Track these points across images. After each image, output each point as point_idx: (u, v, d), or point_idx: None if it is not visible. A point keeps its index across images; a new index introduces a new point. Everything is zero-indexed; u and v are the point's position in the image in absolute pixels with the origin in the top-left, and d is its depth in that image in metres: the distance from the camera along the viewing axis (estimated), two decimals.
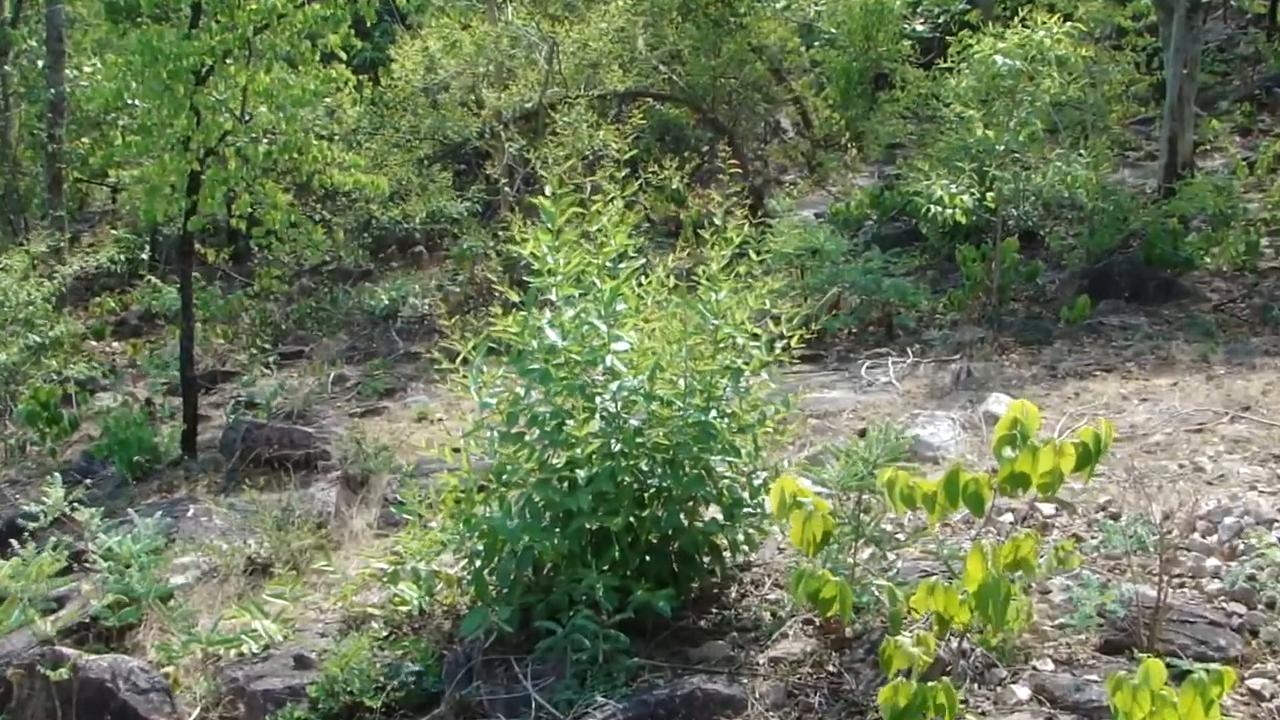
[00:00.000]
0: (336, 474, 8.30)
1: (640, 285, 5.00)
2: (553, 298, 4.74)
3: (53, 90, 16.42)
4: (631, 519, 4.64)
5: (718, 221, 4.95)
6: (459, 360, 4.81)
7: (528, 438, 4.65)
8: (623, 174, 5.15)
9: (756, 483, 4.80)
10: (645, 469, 4.67)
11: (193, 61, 8.67)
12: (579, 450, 4.46)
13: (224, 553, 6.48)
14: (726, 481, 4.82)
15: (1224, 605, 4.31)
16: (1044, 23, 10.23)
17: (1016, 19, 10.56)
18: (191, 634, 5.36)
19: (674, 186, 15.54)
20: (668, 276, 5.06)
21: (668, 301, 4.96)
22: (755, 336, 4.84)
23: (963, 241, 12.45)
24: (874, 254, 11.93)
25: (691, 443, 4.59)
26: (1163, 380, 8.57)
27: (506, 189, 13.88)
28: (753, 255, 5.01)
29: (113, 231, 17.65)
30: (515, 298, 4.76)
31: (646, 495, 4.73)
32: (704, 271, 4.81)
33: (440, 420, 10.16)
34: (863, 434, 6.87)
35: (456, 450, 4.86)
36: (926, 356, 10.28)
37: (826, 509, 3.81)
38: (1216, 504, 5.18)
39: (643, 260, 4.98)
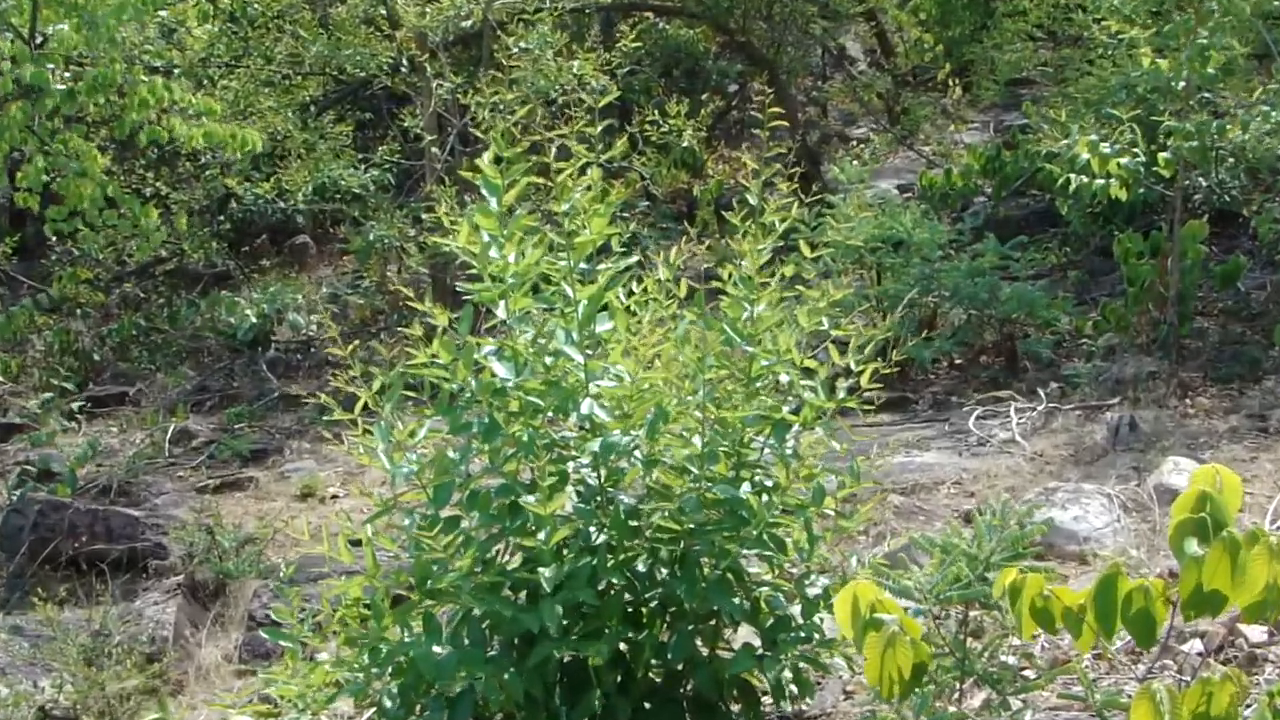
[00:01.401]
0: (177, 580, 8.29)
1: (633, 294, 5.01)
2: (501, 314, 4.75)
3: None
4: (623, 646, 4.63)
5: (751, 199, 4.97)
6: (360, 407, 4.82)
7: (465, 523, 4.65)
8: (607, 125, 5.17)
9: (811, 592, 4.80)
10: (643, 570, 4.67)
11: None
12: (543, 539, 4.46)
13: (3, 700, 6.45)
14: (766, 590, 4.82)
15: None
16: None
17: None
18: None
19: (685, 145, 15.63)
20: (675, 280, 5.08)
21: (676, 318, 4.97)
22: (809, 371, 4.85)
23: (1123, 227, 12.50)
24: (987, 246, 11.99)
25: (713, 530, 4.60)
26: None
27: (433, 150, 13.93)
28: (805, 249, 5.03)
29: None
30: (443, 317, 4.76)
31: (645, 610, 4.72)
32: (731, 273, 4.83)
33: (334, 498, 10.16)
34: (970, 518, 6.87)
35: (358, 543, 4.86)
36: (1068, 400, 10.29)
37: (919, 631, 3.81)
38: None
39: (636, 257, 5.00)
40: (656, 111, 14.74)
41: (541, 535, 4.45)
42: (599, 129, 4.98)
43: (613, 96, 5.60)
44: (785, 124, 5.25)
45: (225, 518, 9.19)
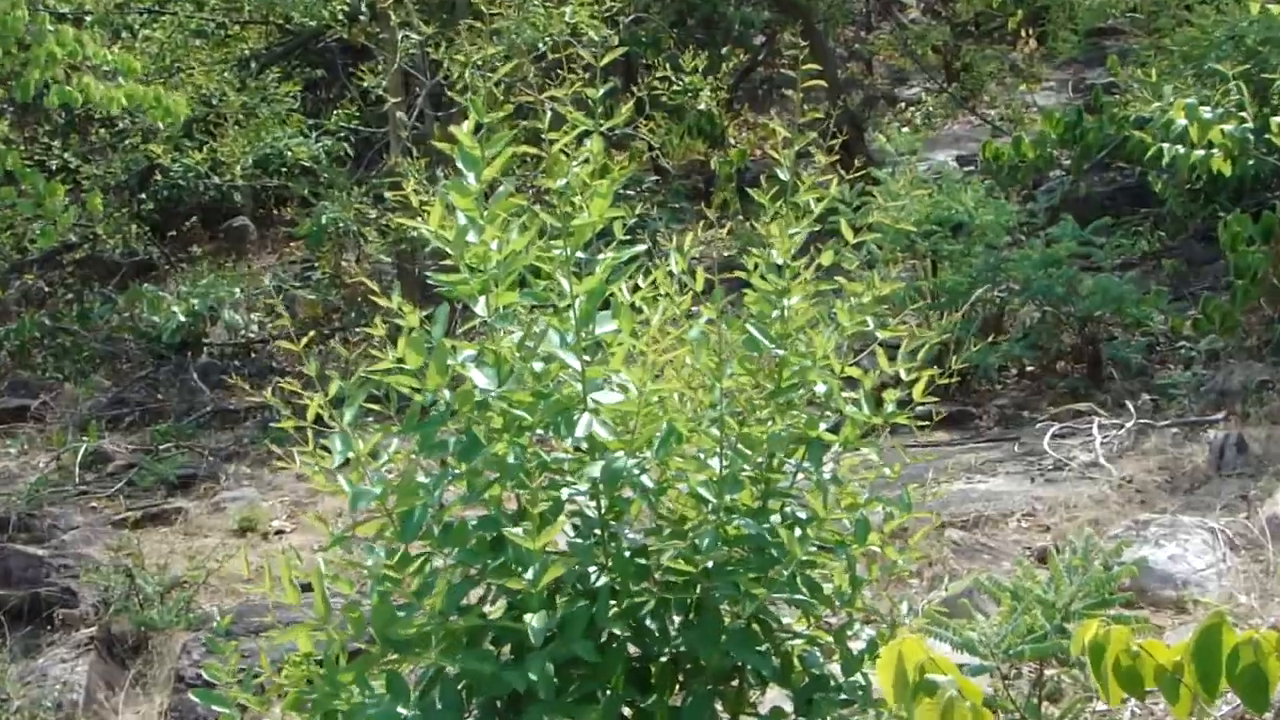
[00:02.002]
0: (90, 632, 8.29)
1: (640, 288, 5.01)
2: (480, 311, 4.74)
3: None
4: (627, 710, 4.63)
5: (782, 174, 4.98)
6: (312, 420, 4.79)
7: (438, 562, 4.65)
8: (608, 86, 5.17)
9: (854, 645, 4.80)
10: (651, 623, 4.67)
11: None
12: (531, 580, 4.45)
13: None
14: (799, 644, 4.82)
15: None
16: None
17: None
18: None
19: (701, 109, 15.65)
20: (690, 271, 5.08)
21: (691, 316, 4.97)
22: (851, 380, 4.85)
23: (1229, 207, 12.49)
24: (1065, 230, 11.99)
25: (736, 572, 4.60)
26: None
27: (399, 115, 13.95)
28: (846, 233, 5.04)
29: None
30: (412, 316, 4.74)
31: (654, 667, 4.72)
32: (757, 262, 4.84)
33: (279, 534, 10.16)
34: (1046, 557, 6.90)
35: (308, 588, 4.86)
36: (1163, 415, 10.29)
37: (979, 695, 3.82)
38: None
39: (644, 246, 4.99)
40: (667, 68, 14.72)
41: (529, 574, 4.44)
42: (600, 91, 4.97)
43: (618, 54, 5.57)
44: (822, 83, 5.25)
45: (147, 557, 9.18)
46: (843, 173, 5.21)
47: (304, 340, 4.86)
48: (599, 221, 4.79)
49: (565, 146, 4.81)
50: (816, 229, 4.90)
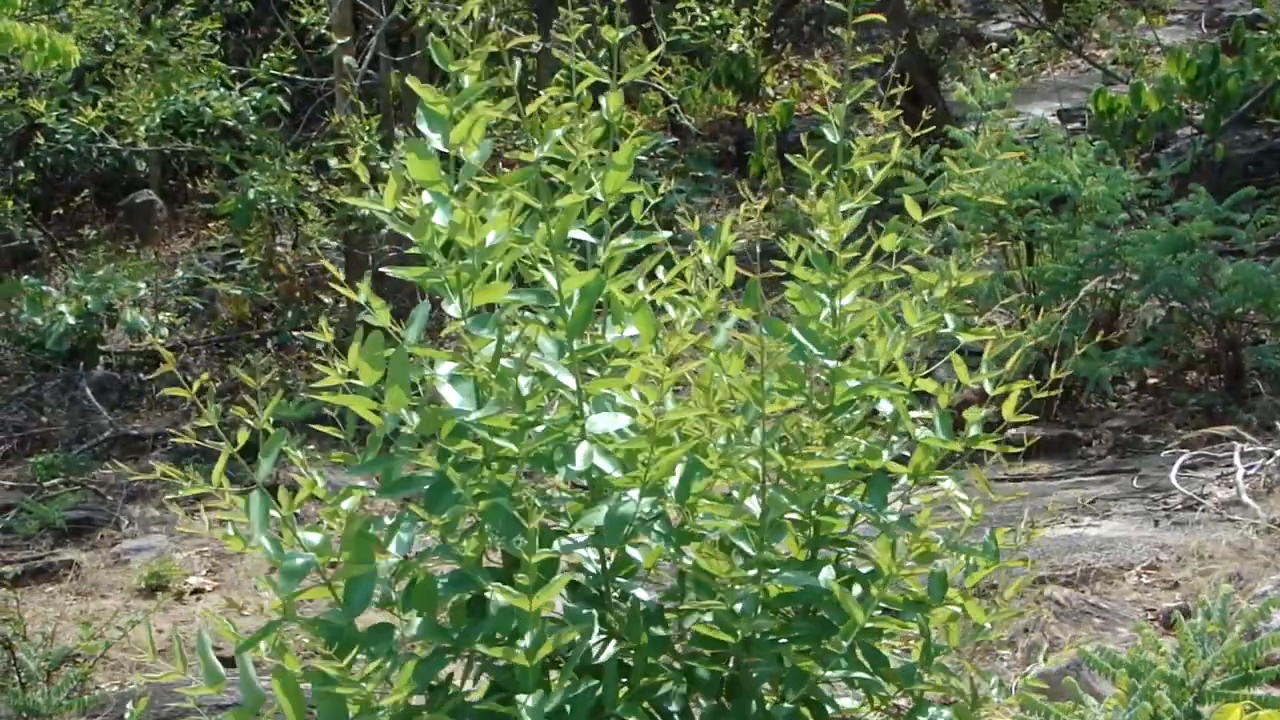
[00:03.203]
0: None
1: (658, 286, 4.99)
2: (453, 313, 4.72)
3: None
4: None
5: (831, 134, 4.99)
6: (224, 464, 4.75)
7: (400, 632, 4.65)
8: (628, 32, 5.16)
9: None
10: (672, 708, 4.67)
11: None
12: (520, 653, 4.45)
13: None
14: None
15: None
16: None
17: None
18: None
19: (733, 50, 15.65)
20: (719, 261, 5.08)
21: (719, 318, 4.97)
22: (922, 398, 4.86)
23: None
24: (1197, 204, 11.98)
25: (776, 641, 4.62)
26: None
27: (347, 60, 13.97)
28: (913, 210, 5.04)
29: None
30: (383, 313, 4.71)
31: None
32: (802, 247, 4.84)
33: (197, 594, 10.16)
34: (1173, 621, 6.92)
35: (230, 665, 4.87)
36: None
37: None
38: None
39: (665, 234, 4.98)
40: None
41: (525, 643, 4.44)
42: (619, 34, 4.90)
43: None
44: (885, 18, 5.24)
45: (30, 623, 9.19)
46: (910, 132, 5.19)
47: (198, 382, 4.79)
48: (608, 200, 4.77)
49: (561, 103, 4.79)
50: (878, 203, 4.90)
